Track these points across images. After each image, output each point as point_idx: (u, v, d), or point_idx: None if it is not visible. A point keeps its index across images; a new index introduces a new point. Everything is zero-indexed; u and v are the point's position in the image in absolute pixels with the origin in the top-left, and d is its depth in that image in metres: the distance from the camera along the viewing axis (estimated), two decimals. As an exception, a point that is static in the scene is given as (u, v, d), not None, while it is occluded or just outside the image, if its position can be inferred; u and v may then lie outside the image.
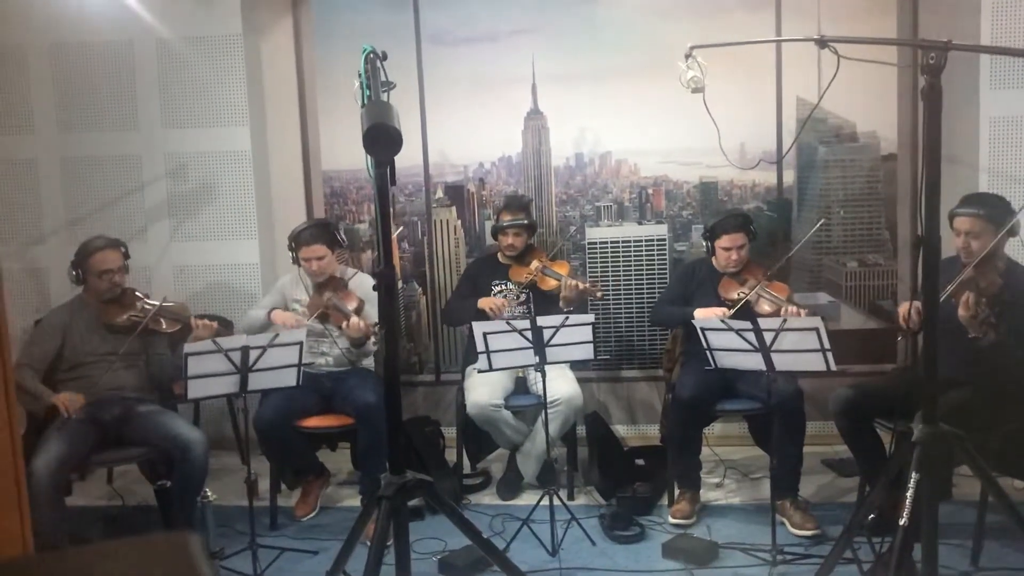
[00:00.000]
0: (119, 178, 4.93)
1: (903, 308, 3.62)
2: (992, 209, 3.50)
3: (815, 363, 3.28)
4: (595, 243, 5.00)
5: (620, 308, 5.00)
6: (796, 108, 4.72)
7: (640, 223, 4.98)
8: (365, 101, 2.37)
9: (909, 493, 2.42)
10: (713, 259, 4.23)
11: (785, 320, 3.35)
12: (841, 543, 2.97)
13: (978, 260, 3.41)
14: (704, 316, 3.92)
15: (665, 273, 4.91)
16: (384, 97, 2.51)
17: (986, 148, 4.29)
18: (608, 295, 4.86)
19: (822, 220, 4.38)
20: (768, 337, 3.31)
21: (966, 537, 3.46)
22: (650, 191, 4.95)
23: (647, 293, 4.96)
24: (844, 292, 4.86)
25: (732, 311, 3.90)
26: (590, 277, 4.91)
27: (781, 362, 3.34)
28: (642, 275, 4.98)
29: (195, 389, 3.46)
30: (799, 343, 3.28)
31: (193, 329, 3.92)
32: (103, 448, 3.84)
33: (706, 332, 3.50)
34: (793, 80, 4.72)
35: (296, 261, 4.26)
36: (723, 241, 4.11)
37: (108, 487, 4.60)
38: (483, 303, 4.34)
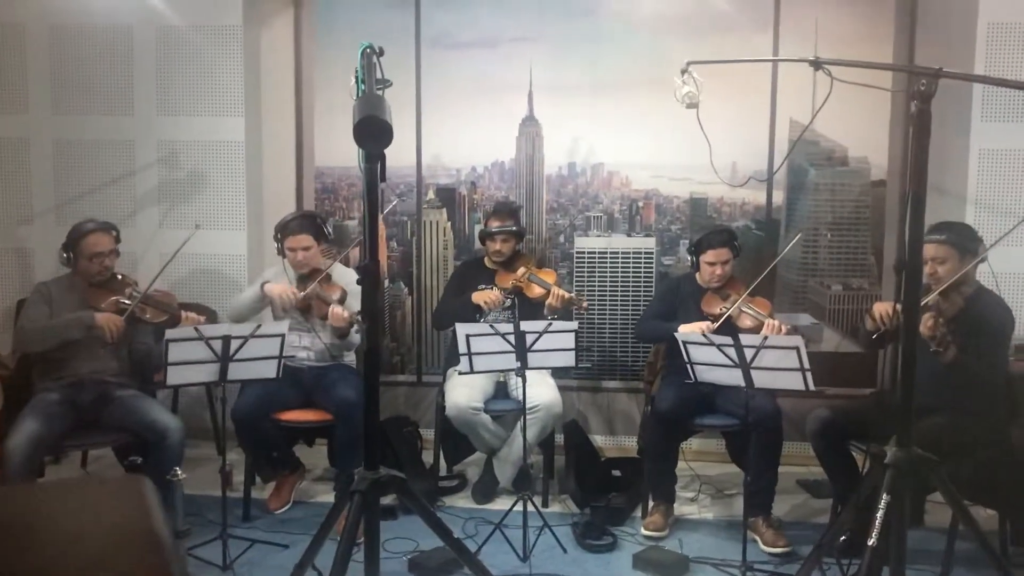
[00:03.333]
0: (111, 162, 4.93)
1: (879, 307, 3.67)
2: (958, 236, 3.60)
3: (794, 382, 3.31)
4: (583, 252, 5.02)
5: (604, 318, 5.02)
6: (789, 129, 4.75)
7: (629, 235, 4.99)
8: (359, 95, 2.38)
9: (879, 515, 2.43)
10: (697, 275, 4.26)
11: (766, 337, 3.38)
12: (810, 562, 2.98)
13: (944, 287, 3.51)
14: (687, 331, 3.94)
15: (651, 286, 4.93)
16: (380, 93, 2.51)
17: (974, 179, 4.33)
18: (593, 305, 4.88)
19: (799, 234, 4.40)
20: (749, 353, 3.33)
21: (935, 563, 3.48)
22: (640, 204, 4.97)
23: (632, 305, 4.97)
24: (827, 315, 4.89)
25: (716, 324, 3.93)
26: (576, 286, 4.93)
27: (760, 379, 3.36)
28: (628, 287, 4.99)
29: (174, 376, 3.46)
30: (779, 361, 3.30)
31: (180, 320, 3.91)
32: (79, 431, 3.83)
33: (688, 346, 3.52)
34: (788, 101, 4.75)
35: (281, 252, 4.26)
36: (708, 256, 4.13)
37: (81, 470, 4.57)
38: (477, 297, 4.36)
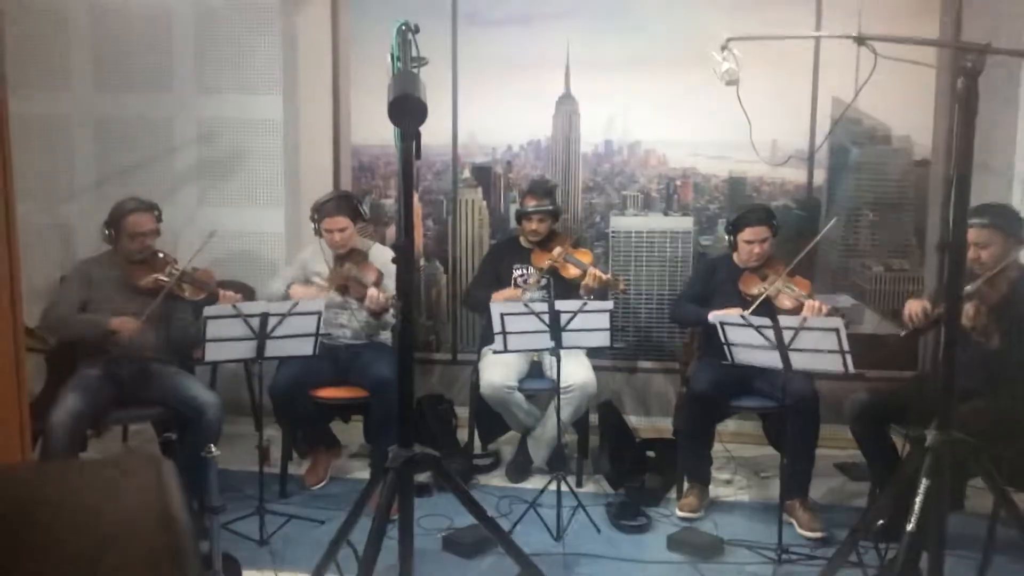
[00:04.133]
0: (151, 140, 4.97)
1: (910, 305, 3.61)
2: (1002, 219, 3.49)
3: (833, 364, 3.27)
4: (619, 232, 4.98)
5: (640, 299, 4.98)
6: (831, 107, 4.66)
7: (666, 214, 4.95)
8: (395, 73, 2.38)
9: (918, 500, 2.40)
10: (735, 254, 4.20)
11: (805, 319, 3.33)
12: (846, 546, 2.95)
13: (989, 271, 3.43)
14: (720, 317, 3.90)
15: (689, 266, 4.89)
16: (416, 71, 2.51)
17: (1022, 158, 4.22)
18: (629, 285, 4.84)
19: (835, 219, 4.33)
20: (787, 335, 3.29)
21: (975, 549, 3.42)
22: (678, 183, 4.92)
23: (669, 285, 4.93)
24: (868, 296, 4.81)
25: (750, 310, 3.86)
26: (613, 266, 4.90)
27: (799, 361, 3.33)
28: (665, 267, 4.96)
29: (213, 352, 3.50)
30: (818, 343, 3.26)
31: (218, 298, 3.95)
32: (119, 406, 3.89)
33: (725, 327, 3.49)
34: (830, 79, 4.66)
35: (318, 232, 4.28)
36: (746, 234, 4.08)
37: (123, 445, 4.65)
38: (497, 296, 4.32)
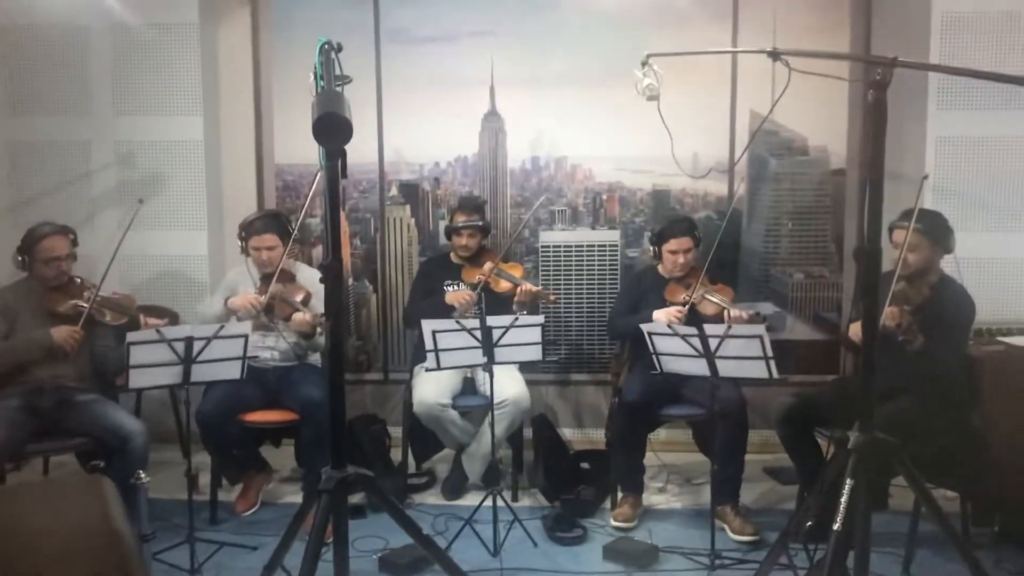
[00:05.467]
0: (67, 164, 4.85)
1: (854, 328, 3.69)
2: (931, 225, 3.63)
3: (758, 370, 3.34)
4: (548, 246, 5.02)
5: (571, 312, 5.03)
6: (749, 120, 4.79)
7: (593, 228, 5.01)
8: (318, 92, 2.36)
9: (843, 499, 2.46)
10: (660, 265, 4.28)
11: (730, 327, 3.41)
12: (776, 548, 3.01)
13: (912, 272, 3.56)
14: (661, 317, 3.97)
15: (616, 278, 4.95)
16: (340, 90, 2.49)
17: (932, 167, 4.38)
18: (560, 299, 4.88)
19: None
20: (713, 343, 3.36)
21: (899, 545, 3.53)
22: (604, 197, 4.98)
23: (598, 298, 4.99)
24: (790, 303, 4.94)
25: (685, 309, 3.95)
26: (542, 280, 4.93)
27: (725, 368, 3.40)
28: (594, 280, 5.01)
29: (137, 379, 3.41)
30: (743, 350, 3.33)
31: (141, 324, 3.85)
32: (40, 437, 3.76)
33: (653, 337, 3.55)
34: (748, 93, 4.79)
35: (245, 251, 4.22)
36: (670, 245, 4.16)
37: (43, 478, 4.49)
38: (451, 297, 4.34)
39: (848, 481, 2.48)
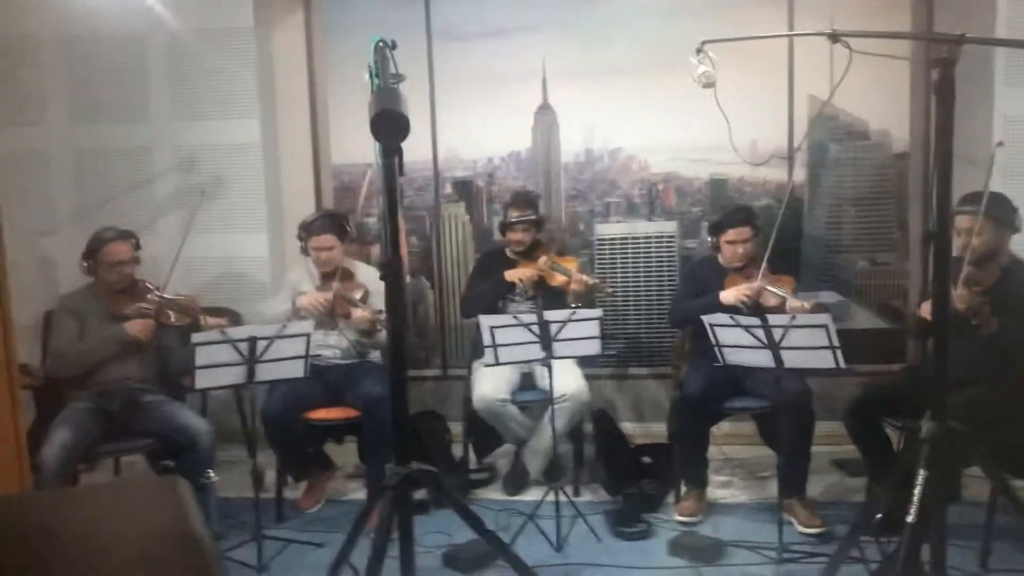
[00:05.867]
0: (129, 170, 4.95)
1: (926, 305, 3.59)
2: (995, 207, 3.51)
3: (824, 360, 3.27)
4: (604, 239, 4.99)
5: (628, 305, 4.99)
6: (808, 105, 4.70)
7: (649, 219, 4.96)
8: (374, 90, 2.37)
9: (917, 491, 2.40)
10: (719, 256, 4.22)
11: (794, 317, 3.34)
12: (847, 541, 2.95)
13: (979, 257, 3.45)
14: (730, 296, 3.92)
15: (674, 270, 4.90)
16: (396, 87, 2.50)
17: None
18: (617, 291, 4.84)
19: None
20: (777, 334, 3.30)
21: (975, 538, 3.42)
22: (660, 187, 4.93)
23: (656, 290, 4.94)
24: (853, 291, 4.83)
25: (752, 290, 3.88)
26: (598, 274, 4.90)
27: (790, 359, 3.33)
28: (651, 272, 4.96)
29: (203, 379, 3.46)
30: (808, 340, 3.27)
31: (202, 325, 3.92)
32: (110, 438, 3.85)
33: (715, 328, 3.49)
34: (805, 77, 4.69)
35: (305, 251, 4.27)
36: (728, 235, 4.10)
37: (115, 477, 4.60)
38: (511, 274, 4.34)
39: (921, 472, 2.41)
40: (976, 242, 3.51)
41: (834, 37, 2.59)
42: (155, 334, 3.93)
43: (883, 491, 3.00)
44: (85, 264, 4.03)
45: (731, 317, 3.46)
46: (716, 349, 3.52)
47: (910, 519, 2.39)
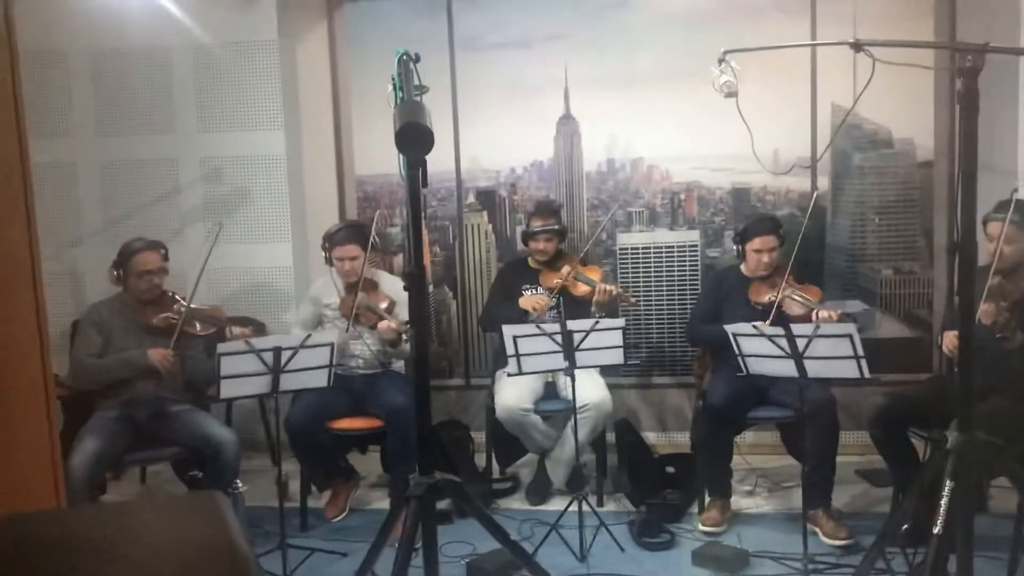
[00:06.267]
0: (156, 182, 5.01)
1: (948, 338, 3.54)
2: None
3: (848, 370, 3.25)
4: (626, 249, 4.99)
5: (651, 314, 4.98)
6: (831, 114, 4.67)
7: (672, 229, 4.96)
8: (398, 103, 2.39)
9: (943, 501, 2.38)
10: (743, 265, 4.21)
11: (818, 327, 3.32)
12: (873, 552, 2.93)
13: (1008, 266, 3.43)
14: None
15: (697, 279, 4.89)
16: (419, 100, 2.53)
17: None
18: (639, 301, 4.84)
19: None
20: (801, 343, 3.28)
21: (1002, 550, 3.39)
22: (682, 197, 4.93)
23: (679, 299, 4.93)
24: (879, 300, 4.80)
25: (769, 320, 3.85)
26: (621, 283, 4.90)
27: (814, 369, 3.31)
28: (674, 281, 4.96)
29: (228, 389, 3.50)
30: (832, 350, 3.25)
31: (228, 335, 3.97)
32: (137, 447, 3.90)
33: (738, 338, 3.48)
34: (828, 85, 4.67)
35: (329, 261, 4.30)
36: (754, 243, 4.10)
37: (141, 486, 4.65)
38: (524, 303, 4.36)
39: (948, 483, 2.40)
40: (1007, 249, 3.48)
41: (857, 46, 2.59)
42: (174, 363, 3.94)
43: (909, 502, 2.98)
44: (115, 273, 4.08)
45: (754, 326, 3.46)
46: (739, 359, 3.51)
47: (936, 530, 2.37)
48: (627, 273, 4.98)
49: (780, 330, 3.33)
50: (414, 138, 2.23)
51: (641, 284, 4.97)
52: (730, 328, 3.52)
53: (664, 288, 4.97)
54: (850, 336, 3.19)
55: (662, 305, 4.97)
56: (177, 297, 4.12)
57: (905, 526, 3.24)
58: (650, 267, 4.97)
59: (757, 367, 3.49)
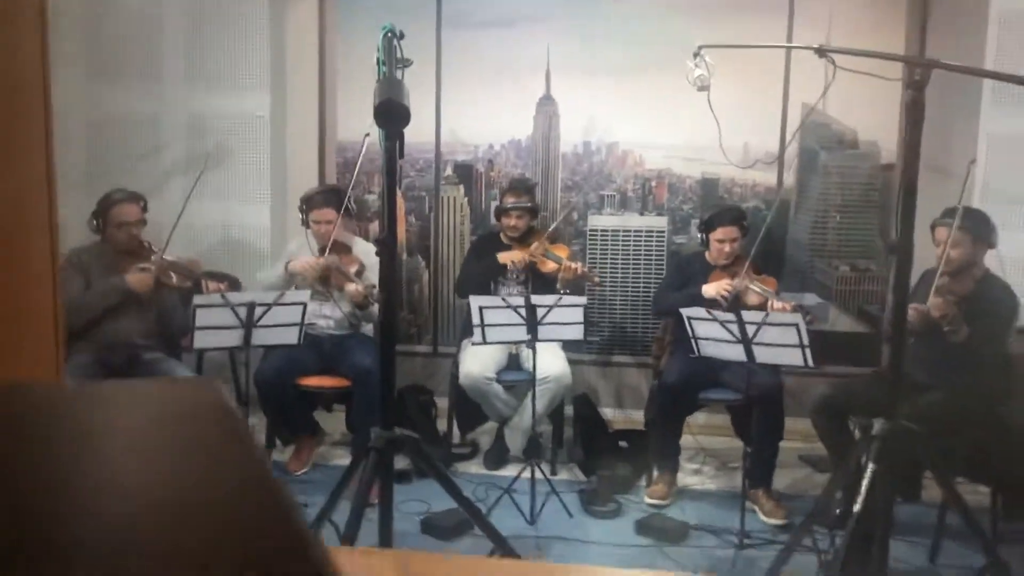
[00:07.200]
0: (140, 135, 5.08)
1: (911, 310, 3.74)
2: (973, 222, 3.69)
3: (794, 358, 3.44)
4: (596, 231, 5.14)
5: (616, 295, 5.15)
6: (801, 113, 4.83)
7: (641, 214, 5.11)
8: (379, 78, 2.52)
9: (864, 483, 2.57)
10: (707, 253, 4.37)
11: (768, 314, 3.50)
12: (801, 530, 3.12)
13: (955, 268, 3.63)
14: (711, 290, 4.10)
15: (662, 264, 5.05)
16: (400, 74, 2.65)
17: (983, 164, 4.39)
18: (605, 282, 5.00)
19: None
20: (751, 330, 3.46)
21: (927, 536, 3.60)
22: (653, 183, 5.08)
23: (643, 282, 5.10)
24: (834, 295, 4.99)
25: (732, 286, 4.03)
26: (590, 263, 5.05)
27: (762, 355, 3.49)
28: (640, 264, 5.12)
29: (201, 340, 3.62)
30: (779, 338, 3.43)
31: (204, 288, 4.08)
32: (109, 392, 4.00)
33: (692, 321, 3.65)
34: (801, 85, 4.82)
35: (305, 223, 4.42)
36: (718, 233, 4.25)
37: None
38: (504, 257, 4.50)
39: (870, 466, 2.58)
40: (953, 253, 3.69)
41: (820, 52, 2.74)
42: (153, 289, 4.05)
43: (834, 483, 3.17)
44: (94, 222, 4.17)
45: (708, 312, 3.63)
46: (692, 341, 3.69)
47: (856, 508, 2.56)
48: (596, 254, 5.13)
49: (732, 315, 3.51)
50: (390, 114, 2.36)
51: (608, 265, 5.12)
52: (685, 311, 3.70)
53: (631, 270, 5.13)
54: (796, 326, 3.37)
55: (627, 287, 5.13)
56: (154, 248, 4.22)
57: (839, 509, 3.46)
58: (618, 249, 5.13)
59: (708, 350, 3.67)
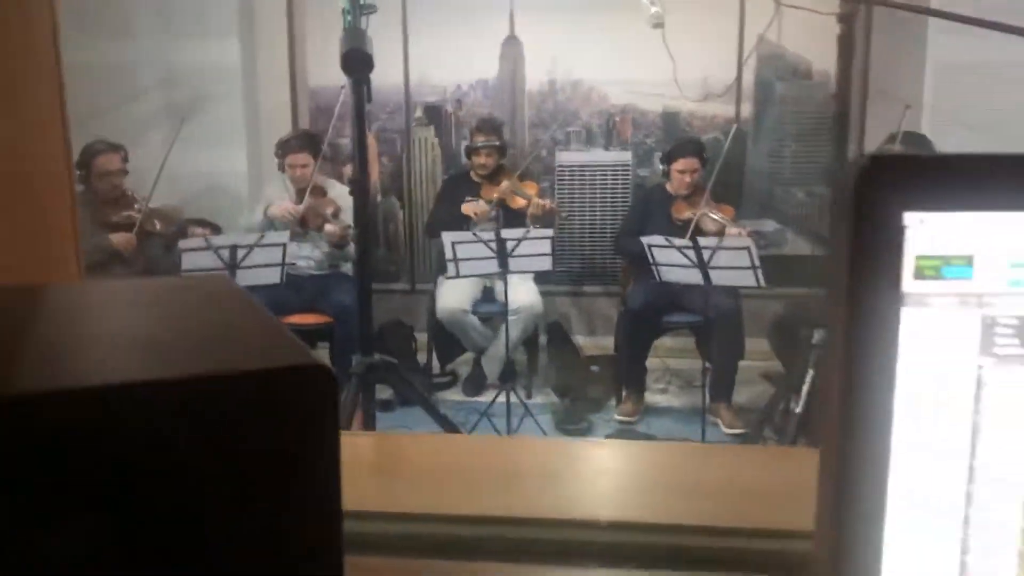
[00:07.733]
0: (118, 85, 5.16)
1: None
2: (914, 147, 3.89)
3: (747, 279, 3.68)
4: (564, 167, 5.32)
5: (585, 228, 5.35)
6: (757, 45, 4.98)
7: (607, 149, 5.29)
8: (345, 27, 2.67)
9: (805, 388, 2.82)
10: (668, 184, 4.58)
11: (721, 240, 3.73)
12: (753, 434, 3.39)
13: None
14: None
15: (628, 197, 5.25)
16: (365, 20, 2.80)
17: (930, 91, 4.57)
18: (574, 215, 5.21)
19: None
20: (706, 254, 3.69)
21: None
22: (617, 119, 5.25)
23: (611, 215, 5.30)
24: (791, 220, 5.21)
25: (688, 234, 4.23)
26: (559, 198, 5.24)
27: (717, 277, 3.73)
28: (607, 198, 5.31)
29: (187, 283, 3.79)
30: (733, 261, 3.66)
31: (188, 234, 4.25)
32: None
33: (652, 249, 3.87)
34: (756, 18, 4.95)
35: (281, 168, 4.58)
36: (678, 165, 4.46)
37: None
38: (466, 208, 4.68)
39: (810, 372, 2.83)
40: None
41: (761, -12, 2.92)
42: (136, 248, 4.22)
43: (780, 389, 3.43)
44: (78, 173, 4.31)
45: (666, 239, 3.85)
46: (653, 267, 3.91)
47: (797, 410, 2.82)
48: (564, 189, 5.32)
49: (688, 242, 3.73)
50: (355, 62, 2.53)
51: (576, 200, 5.32)
52: (645, 240, 3.92)
53: (598, 204, 5.32)
54: (748, 249, 3.61)
55: (595, 219, 5.34)
56: (137, 197, 4.38)
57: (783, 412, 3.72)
58: (585, 184, 5.32)
59: (669, 275, 3.90)
